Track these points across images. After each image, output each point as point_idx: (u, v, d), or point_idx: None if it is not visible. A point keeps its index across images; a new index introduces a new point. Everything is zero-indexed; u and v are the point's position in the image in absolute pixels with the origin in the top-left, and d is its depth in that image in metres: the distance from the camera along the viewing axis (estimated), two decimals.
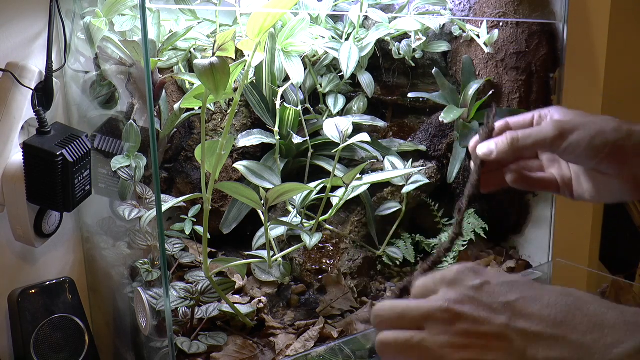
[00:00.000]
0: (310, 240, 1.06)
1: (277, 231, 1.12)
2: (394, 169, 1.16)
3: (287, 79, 1.15)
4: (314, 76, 1.22)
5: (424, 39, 1.22)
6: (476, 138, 0.71)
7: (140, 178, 1.08)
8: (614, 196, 0.70)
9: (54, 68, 1.03)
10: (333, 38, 1.20)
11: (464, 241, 1.21)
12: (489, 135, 0.71)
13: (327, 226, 1.19)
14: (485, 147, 0.70)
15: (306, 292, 1.17)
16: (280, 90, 1.12)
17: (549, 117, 0.71)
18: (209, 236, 1.00)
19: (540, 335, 0.47)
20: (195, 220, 1.14)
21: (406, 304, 0.53)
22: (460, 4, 1.24)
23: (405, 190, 1.18)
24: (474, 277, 0.52)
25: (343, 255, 1.19)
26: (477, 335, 0.49)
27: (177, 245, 1.13)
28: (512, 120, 0.73)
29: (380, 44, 1.26)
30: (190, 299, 1.04)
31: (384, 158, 1.18)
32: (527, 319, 0.48)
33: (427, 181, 1.19)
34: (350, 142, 1.06)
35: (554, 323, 0.47)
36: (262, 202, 0.97)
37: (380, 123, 1.22)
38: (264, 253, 1.07)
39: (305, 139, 1.16)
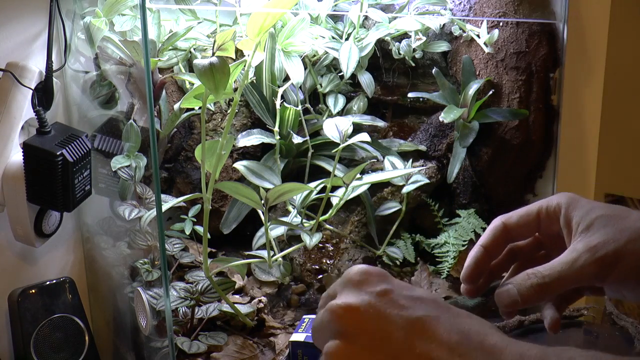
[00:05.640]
0: (310, 240, 1.06)
1: (277, 231, 1.12)
2: (394, 169, 1.16)
3: (287, 78, 1.15)
4: (314, 76, 1.22)
5: (424, 39, 1.22)
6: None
7: (140, 178, 1.08)
8: None
9: (54, 68, 1.03)
10: (333, 38, 1.20)
11: (464, 241, 1.21)
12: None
13: (327, 226, 1.19)
14: (507, 297, 0.56)
15: (306, 292, 1.17)
16: (280, 90, 1.12)
17: (563, 215, 0.58)
18: (209, 236, 1.00)
19: None
20: (195, 220, 1.14)
21: (318, 315, 0.47)
22: (460, 4, 1.24)
23: (405, 190, 1.18)
24: (377, 282, 0.46)
25: (343, 255, 1.19)
26: (370, 349, 0.43)
27: (177, 245, 1.13)
28: (512, 222, 0.61)
29: (380, 44, 1.26)
30: (190, 299, 1.04)
31: (384, 158, 1.18)
32: (428, 342, 0.43)
33: (427, 181, 1.19)
34: (350, 142, 1.05)
35: (455, 352, 0.42)
36: (262, 202, 0.97)
37: (380, 123, 1.22)
38: (264, 253, 1.07)
39: (305, 138, 1.16)
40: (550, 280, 0.54)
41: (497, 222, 0.62)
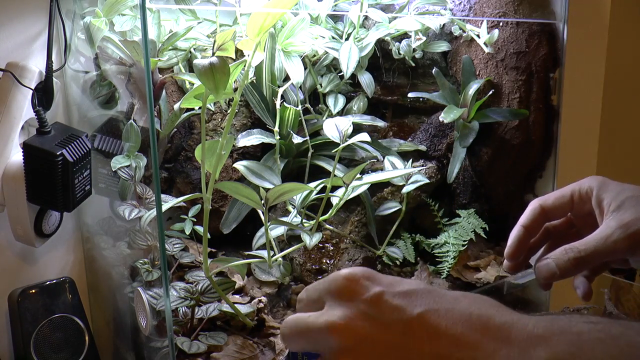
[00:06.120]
0: (310, 240, 1.06)
1: (277, 231, 1.12)
2: (394, 169, 1.16)
3: (287, 78, 1.15)
4: (314, 76, 1.22)
5: (424, 39, 1.22)
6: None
7: (140, 178, 1.08)
8: None
9: (54, 68, 1.03)
10: (333, 38, 1.20)
11: (464, 241, 1.21)
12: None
13: (327, 226, 1.19)
14: (546, 270, 0.63)
15: None
16: (280, 90, 1.12)
17: (595, 197, 0.64)
18: (209, 236, 0.99)
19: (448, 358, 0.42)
20: (195, 220, 1.14)
21: (304, 322, 0.46)
22: (460, 4, 1.24)
23: (405, 190, 1.18)
24: (366, 287, 0.45)
25: (343, 255, 1.19)
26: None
27: (177, 245, 1.13)
28: (548, 204, 0.67)
29: (380, 44, 1.26)
30: (190, 298, 1.04)
31: (384, 158, 1.18)
32: (432, 339, 0.42)
33: (427, 181, 1.19)
34: (350, 142, 1.05)
35: (464, 344, 0.42)
36: (262, 202, 0.97)
37: (380, 123, 1.22)
38: (264, 253, 1.07)
39: (305, 138, 1.16)
40: (586, 254, 0.61)
41: (535, 204, 0.68)
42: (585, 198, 0.65)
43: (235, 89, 1.06)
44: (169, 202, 1.03)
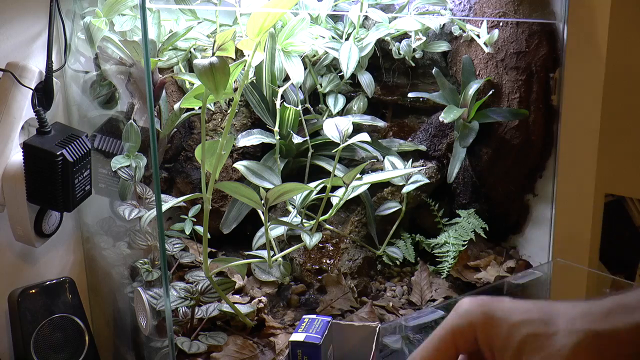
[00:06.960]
0: (310, 240, 1.06)
1: (277, 231, 1.12)
2: (394, 169, 1.16)
3: (287, 78, 1.15)
4: (314, 76, 1.22)
5: (424, 39, 1.22)
6: None
7: (140, 178, 1.08)
8: None
9: (54, 68, 1.03)
10: (333, 38, 1.20)
11: (464, 241, 1.21)
12: None
13: (327, 226, 1.19)
14: None
15: (306, 292, 1.17)
16: (280, 90, 1.12)
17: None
18: (209, 236, 0.99)
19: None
20: (195, 220, 1.14)
21: None
22: (460, 4, 1.24)
23: (405, 190, 1.18)
24: (500, 332, 0.45)
25: (343, 255, 1.19)
26: None
27: (177, 245, 1.13)
28: None
29: (380, 44, 1.26)
30: (190, 298, 1.04)
31: (384, 158, 1.18)
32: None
33: (427, 181, 1.19)
34: (350, 142, 1.05)
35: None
36: (262, 202, 0.97)
37: (380, 123, 1.22)
38: (264, 253, 1.07)
39: (305, 138, 1.16)
40: None
41: None
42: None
43: (235, 89, 1.06)
44: (169, 202, 1.03)
